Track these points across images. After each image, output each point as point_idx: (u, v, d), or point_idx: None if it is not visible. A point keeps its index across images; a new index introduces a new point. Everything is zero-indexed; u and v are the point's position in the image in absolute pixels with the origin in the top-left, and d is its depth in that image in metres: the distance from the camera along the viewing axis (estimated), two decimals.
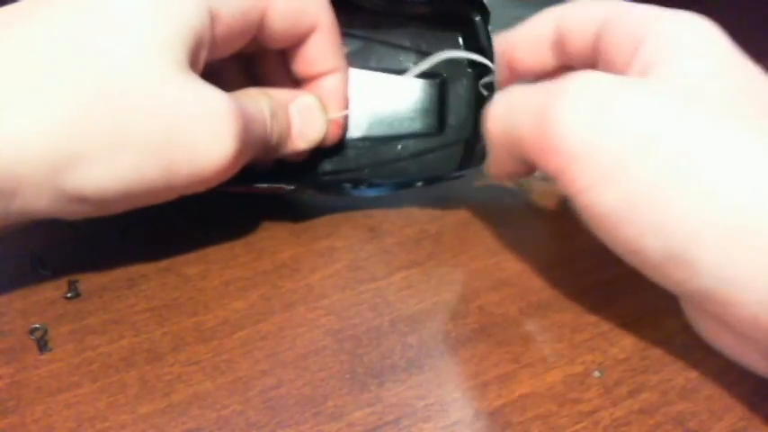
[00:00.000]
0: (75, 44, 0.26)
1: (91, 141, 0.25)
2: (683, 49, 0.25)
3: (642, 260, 0.25)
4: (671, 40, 0.26)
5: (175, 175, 0.27)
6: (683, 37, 0.26)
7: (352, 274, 0.32)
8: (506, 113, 0.28)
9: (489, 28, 0.34)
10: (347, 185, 0.34)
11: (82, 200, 0.26)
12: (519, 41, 0.32)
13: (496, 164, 0.30)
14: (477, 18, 0.35)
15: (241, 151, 0.28)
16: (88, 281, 0.31)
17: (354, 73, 0.36)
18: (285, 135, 0.32)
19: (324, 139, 0.33)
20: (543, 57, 0.31)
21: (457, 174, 0.34)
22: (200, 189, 0.28)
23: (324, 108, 0.33)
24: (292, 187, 0.32)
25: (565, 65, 0.30)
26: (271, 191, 0.33)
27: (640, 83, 0.25)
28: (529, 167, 0.28)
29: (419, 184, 0.34)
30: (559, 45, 0.30)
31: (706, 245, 0.22)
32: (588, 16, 0.29)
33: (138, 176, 0.26)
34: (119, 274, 0.31)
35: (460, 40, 0.36)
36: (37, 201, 0.26)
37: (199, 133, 0.27)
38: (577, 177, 0.24)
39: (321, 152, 0.35)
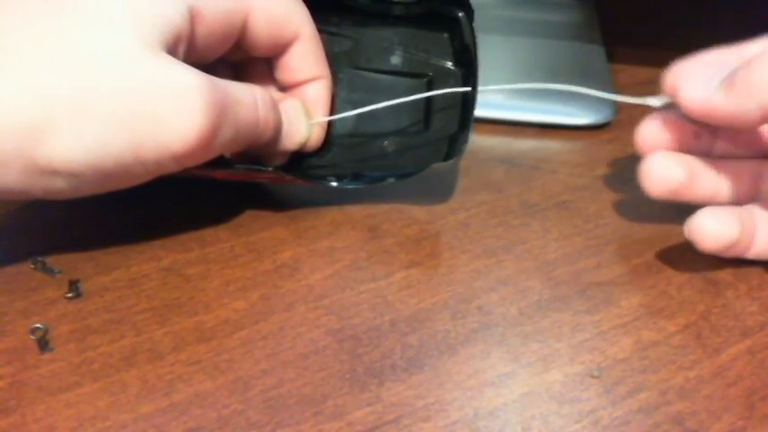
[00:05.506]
0: (48, 22, 0.26)
1: (59, 111, 0.26)
2: None
3: None
4: None
5: (142, 149, 0.27)
6: None
7: (352, 274, 0.32)
8: None
9: (473, 25, 0.34)
10: (330, 178, 0.34)
11: (52, 172, 0.26)
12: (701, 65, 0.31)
13: None
14: (461, 15, 0.35)
15: (214, 128, 0.28)
16: (89, 281, 0.31)
17: (344, 73, 0.37)
18: (279, 129, 0.32)
19: (307, 142, 0.34)
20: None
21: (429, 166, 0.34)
22: (176, 167, 0.28)
23: (307, 112, 0.34)
24: (270, 168, 0.33)
25: None
26: (250, 174, 0.33)
27: None
28: None
29: (391, 180, 0.34)
30: None
31: None
32: None
33: (104, 148, 0.26)
34: (120, 273, 0.31)
35: (447, 40, 0.37)
36: (6, 174, 0.26)
37: (164, 106, 0.27)
38: None
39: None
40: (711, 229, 0.30)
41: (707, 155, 0.32)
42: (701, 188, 0.32)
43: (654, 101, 0.32)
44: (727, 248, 0.31)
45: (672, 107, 0.31)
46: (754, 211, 0.31)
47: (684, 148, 0.32)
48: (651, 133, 0.32)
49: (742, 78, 0.28)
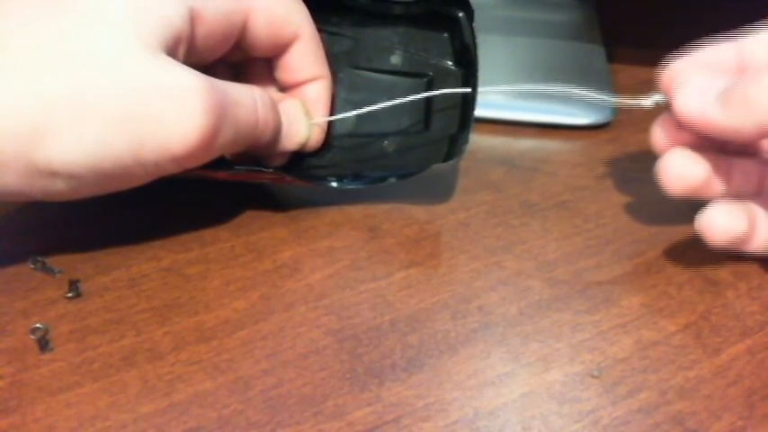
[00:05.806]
0: (48, 22, 0.26)
1: (58, 112, 0.26)
2: None
3: None
4: None
5: (142, 150, 0.27)
6: None
7: (352, 274, 0.32)
8: None
9: (473, 25, 0.34)
10: (330, 178, 0.34)
11: (51, 174, 0.26)
12: (696, 66, 0.31)
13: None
14: (461, 15, 0.35)
15: (214, 129, 0.28)
16: (89, 281, 0.31)
17: (344, 72, 0.37)
18: (279, 129, 0.32)
19: (307, 142, 0.34)
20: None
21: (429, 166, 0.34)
22: (176, 168, 0.28)
23: (307, 112, 0.34)
24: (270, 170, 0.33)
25: None
26: (251, 175, 0.33)
27: None
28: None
29: (391, 180, 0.34)
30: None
31: None
32: None
33: (104, 149, 0.26)
34: (120, 273, 0.31)
35: (448, 40, 0.37)
36: (6, 175, 0.26)
37: (164, 107, 0.27)
38: None
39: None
40: (721, 224, 0.31)
41: (720, 152, 0.32)
42: (716, 186, 0.32)
43: (646, 101, 0.32)
44: (734, 243, 0.31)
45: (665, 106, 0.31)
46: (754, 205, 0.31)
47: (699, 145, 0.32)
48: (667, 131, 0.32)
49: (740, 96, 0.28)
